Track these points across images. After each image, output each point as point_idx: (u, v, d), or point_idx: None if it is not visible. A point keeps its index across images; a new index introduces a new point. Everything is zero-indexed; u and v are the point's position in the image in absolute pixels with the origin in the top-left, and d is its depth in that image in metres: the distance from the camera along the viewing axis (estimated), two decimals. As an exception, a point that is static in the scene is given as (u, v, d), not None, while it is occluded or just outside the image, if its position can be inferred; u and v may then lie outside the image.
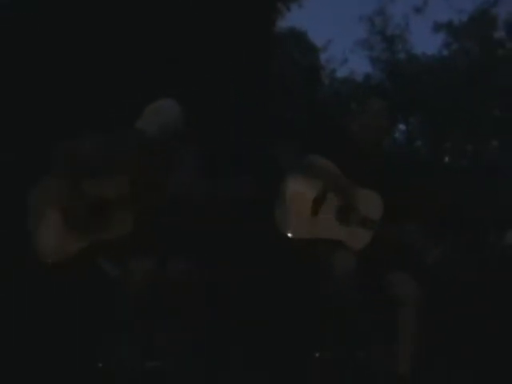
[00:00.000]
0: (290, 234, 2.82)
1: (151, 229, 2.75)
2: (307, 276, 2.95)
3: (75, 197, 2.67)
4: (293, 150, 2.90)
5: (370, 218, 2.83)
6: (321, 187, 2.86)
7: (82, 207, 2.67)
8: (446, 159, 12.68)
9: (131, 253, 2.65)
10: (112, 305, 2.62)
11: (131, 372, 2.61)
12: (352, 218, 2.84)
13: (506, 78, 11.43)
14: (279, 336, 3.28)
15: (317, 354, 2.86)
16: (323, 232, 2.83)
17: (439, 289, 3.34)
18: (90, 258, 2.67)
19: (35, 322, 3.01)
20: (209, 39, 4.96)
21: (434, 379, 2.94)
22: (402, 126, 13.63)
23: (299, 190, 2.86)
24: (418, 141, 13.70)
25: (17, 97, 3.86)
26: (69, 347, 2.88)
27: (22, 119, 3.80)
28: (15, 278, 3.15)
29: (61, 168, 2.68)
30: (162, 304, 2.66)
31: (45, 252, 2.64)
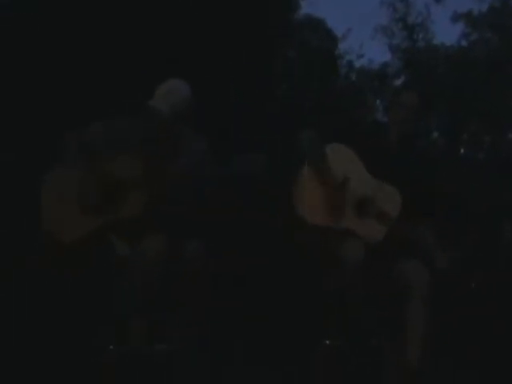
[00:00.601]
0: (306, 219, 2.79)
1: (161, 213, 2.78)
2: (311, 271, 2.94)
3: (88, 180, 2.72)
4: (316, 135, 2.84)
5: (388, 213, 2.80)
6: (342, 175, 2.83)
7: (95, 189, 2.72)
8: (463, 151, 12.57)
9: (144, 233, 2.66)
10: (120, 293, 2.65)
11: (139, 361, 2.64)
12: (369, 211, 2.82)
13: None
14: (283, 330, 3.29)
15: (327, 342, 2.84)
16: (339, 221, 2.80)
17: (445, 288, 3.32)
18: (103, 238, 2.71)
19: (43, 313, 3.03)
20: (221, 27, 4.95)
21: (440, 375, 2.93)
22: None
23: (319, 176, 2.81)
24: (435, 132, 13.57)
25: (17, 95, 3.86)
26: (77, 337, 2.90)
27: (23, 116, 3.80)
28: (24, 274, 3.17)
29: (72, 155, 2.74)
30: (171, 293, 2.69)
31: (58, 232, 2.68)
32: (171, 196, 2.80)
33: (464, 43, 12.95)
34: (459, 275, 2.81)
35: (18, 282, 3.15)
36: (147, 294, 2.63)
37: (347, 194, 2.82)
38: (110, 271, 2.72)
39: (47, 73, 4.03)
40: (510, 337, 3.35)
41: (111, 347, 2.66)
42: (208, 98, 2.95)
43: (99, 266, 2.76)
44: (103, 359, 2.65)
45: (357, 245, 2.72)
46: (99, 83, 4.03)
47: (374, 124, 3.05)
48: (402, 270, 2.75)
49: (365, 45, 12.51)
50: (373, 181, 2.85)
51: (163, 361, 2.68)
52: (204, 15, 4.95)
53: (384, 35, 13.81)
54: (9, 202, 3.41)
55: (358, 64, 13.72)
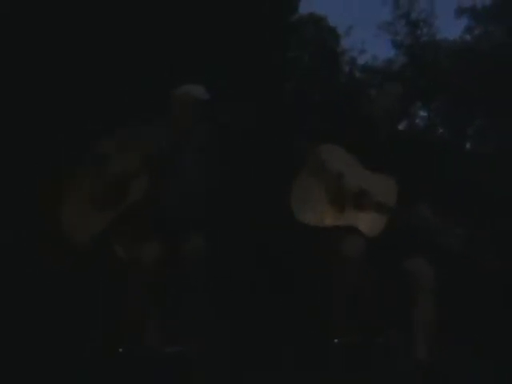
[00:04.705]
0: (306, 223, 2.82)
1: (161, 207, 2.85)
2: (320, 262, 2.94)
3: (97, 181, 2.80)
4: (304, 144, 2.92)
5: (385, 203, 2.82)
6: (336, 173, 2.87)
7: (103, 187, 2.79)
8: (468, 145, 12.57)
9: (142, 238, 2.73)
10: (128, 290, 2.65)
11: (153, 357, 2.65)
12: (367, 204, 2.83)
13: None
14: (295, 323, 3.28)
15: (335, 340, 2.83)
16: (338, 219, 2.83)
17: (459, 272, 3.30)
18: (108, 243, 2.75)
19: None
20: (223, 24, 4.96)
21: (453, 365, 2.90)
22: (423, 112, 13.55)
23: (313, 179, 2.87)
24: (440, 126, 13.58)
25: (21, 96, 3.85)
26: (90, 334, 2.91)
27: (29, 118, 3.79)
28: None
29: (88, 165, 2.83)
30: (178, 288, 2.70)
31: (72, 233, 2.74)
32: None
33: (468, 37, 12.97)
34: (469, 253, 2.77)
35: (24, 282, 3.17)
36: (153, 287, 2.66)
37: (343, 191, 2.84)
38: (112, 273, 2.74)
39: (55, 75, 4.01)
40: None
41: (120, 350, 2.66)
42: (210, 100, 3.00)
43: (103, 267, 2.78)
44: (114, 361, 2.65)
45: (357, 240, 2.74)
46: (102, 88, 4.01)
47: (364, 118, 3.07)
48: (408, 266, 2.75)
49: (368, 42, 12.58)
50: (367, 174, 2.88)
51: (176, 363, 2.68)
52: (202, 17, 4.95)
53: (387, 32, 13.88)
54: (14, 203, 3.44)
55: (361, 61, 13.78)
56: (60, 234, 2.73)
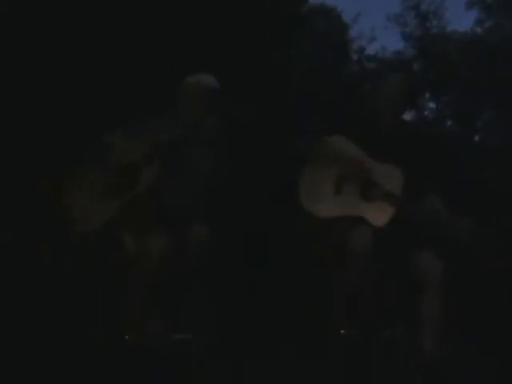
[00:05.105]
0: (314, 213, 2.81)
1: (167, 200, 2.87)
2: (320, 262, 2.93)
3: (106, 172, 2.82)
4: (310, 136, 2.90)
5: (392, 192, 2.80)
6: (342, 165, 2.85)
7: (110, 176, 2.82)
8: (477, 138, 12.50)
9: (147, 229, 2.74)
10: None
11: (159, 346, 2.66)
12: (374, 194, 2.82)
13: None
14: (300, 315, 3.28)
15: (342, 331, 2.82)
16: (346, 209, 2.81)
17: (467, 266, 3.29)
18: (113, 233, 2.76)
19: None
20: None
21: (457, 362, 2.89)
22: (432, 104, 13.49)
23: (320, 170, 2.87)
24: (449, 119, 13.51)
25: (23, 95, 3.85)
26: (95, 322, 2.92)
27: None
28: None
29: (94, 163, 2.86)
30: (182, 277, 2.71)
31: (80, 219, 2.76)
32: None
33: (478, 30, 12.89)
34: (477, 246, 2.76)
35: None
36: (158, 277, 2.67)
37: (351, 182, 2.82)
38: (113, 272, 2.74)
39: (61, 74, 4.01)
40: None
41: (127, 337, 2.67)
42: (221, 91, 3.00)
43: (104, 266, 2.79)
44: (114, 361, 2.66)
45: (364, 231, 2.72)
46: (102, 87, 4.00)
47: (369, 110, 3.07)
48: (416, 261, 2.73)
49: (377, 33, 12.55)
50: (374, 164, 2.86)
51: (176, 363, 2.68)
52: (216, 6, 4.94)
53: (396, 24, 13.84)
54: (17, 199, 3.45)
55: (370, 51, 13.72)
56: (68, 223, 2.74)
